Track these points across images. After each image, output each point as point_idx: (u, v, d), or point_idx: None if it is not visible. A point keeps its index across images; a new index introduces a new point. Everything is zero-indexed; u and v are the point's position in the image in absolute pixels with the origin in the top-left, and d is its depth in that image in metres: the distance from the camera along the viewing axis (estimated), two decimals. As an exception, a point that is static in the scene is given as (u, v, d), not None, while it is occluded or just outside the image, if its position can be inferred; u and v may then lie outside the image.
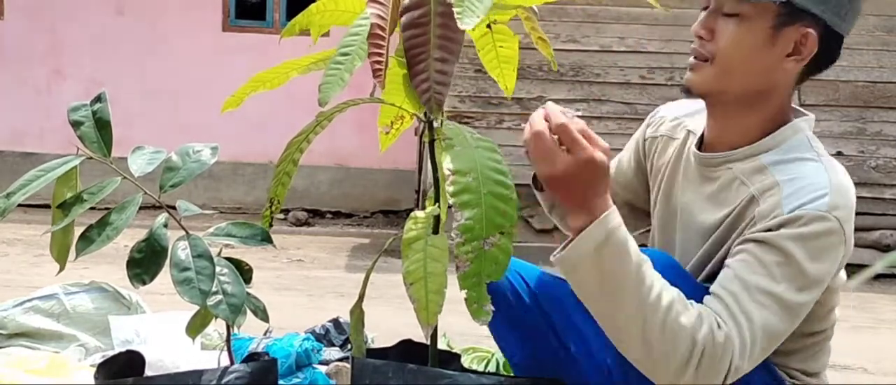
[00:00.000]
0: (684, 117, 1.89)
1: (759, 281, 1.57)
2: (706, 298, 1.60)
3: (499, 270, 1.66)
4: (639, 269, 1.53)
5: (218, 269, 1.85)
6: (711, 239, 1.72)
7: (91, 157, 1.89)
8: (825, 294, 1.70)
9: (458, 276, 1.64)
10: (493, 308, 1.64)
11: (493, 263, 1.65)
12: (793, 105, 1.76)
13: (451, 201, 1.65)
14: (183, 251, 1.83)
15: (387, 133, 1.99)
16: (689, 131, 1.85)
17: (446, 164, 1.68)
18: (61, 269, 1.94)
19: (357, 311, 1.94)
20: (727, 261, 1.64)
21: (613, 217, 1.54)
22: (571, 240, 1.56)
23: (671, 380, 1.53)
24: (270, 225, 1.95)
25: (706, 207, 1.75)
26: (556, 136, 1.54)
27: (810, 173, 1.63)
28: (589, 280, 1.56)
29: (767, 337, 1.57)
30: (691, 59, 1.72)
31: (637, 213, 2.03)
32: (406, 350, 2.09)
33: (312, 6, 1.84)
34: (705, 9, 1.69)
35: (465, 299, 1.64)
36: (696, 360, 1.51)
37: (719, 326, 1.53)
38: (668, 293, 1.53)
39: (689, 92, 1.73)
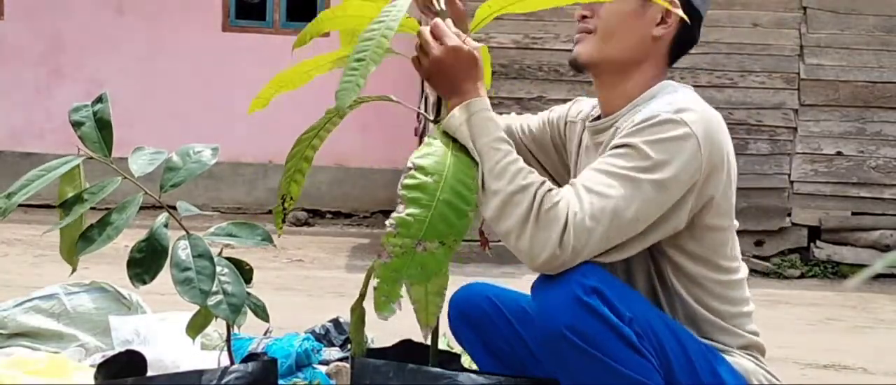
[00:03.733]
0: (591, 109, 2.08)
1: (602, 166, 1.77)
2: None
3: (423, 276, 1.66)
4: (492, 143, 1.77)
5: (218, 269, 1.85)
6: None
7: (92, 157, 1.89)
8: (711, 216, 1.84)
9: (376, 263, 1.63)
10: (399, 309, 1.67)
11: (419, 267, 1.64)
12: (684, 85, 1.95)
13: (400, 192, 1.65)
14: (183, 251, 1.83)
15: None
16: (588, 114, 2.06)
17: (412, 156, 1.68)
18: (73, 269, 1.94)
19: (358, 310, 1.94)
20: None
21: (478, 102, 1.81)
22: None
23: (516, 237, 1.72)
24: (283, 221, 1.95)
25: (595, 154, 1.92)
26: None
27: (668, 99, 1.85)
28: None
29: (610, 207, 1.72)
30: (577, 35, 1.95)
31: (542, 165, 2.19)
32: (406, 350, 2.09)
33: (322, 14, 1.85)
34: None
35: (375, 288, 1.64)
36: (535, 210, 1.71)
37: (556, 191, 1.75)
38: (519, 166, 1.76)
39: (576, 64, 1.97)
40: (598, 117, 2.00)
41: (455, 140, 1.79)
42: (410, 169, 1.69)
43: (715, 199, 1.84)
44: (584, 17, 1.94)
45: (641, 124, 1.78)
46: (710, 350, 1.85)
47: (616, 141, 1.81)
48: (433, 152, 1.73)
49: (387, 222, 1.65)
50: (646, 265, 1.90)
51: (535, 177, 1.77)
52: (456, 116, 1.80)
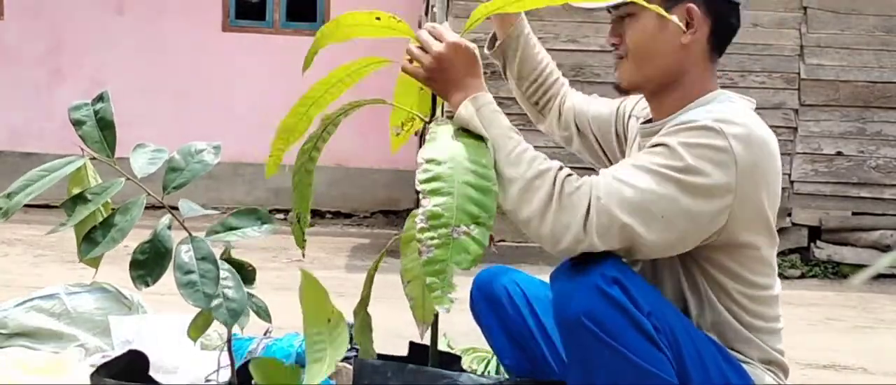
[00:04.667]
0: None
1: (636, 160, 1.77)
2: None
3: (468, 260, 1.66)
4: (505, 133, 1.78)
5: (221, 272, 1.84)
6: None
7: (95, 158, 1.88)
8: (747, 234, 1.81)
9: (421, 262, 1.63)
10: (456, 297, 1.65)
11: (463, 252, 1.65)
12: (743, 96, 1.94)
13: (419, 188, 1.65)
14: (186, 254, 1.81)
15: (398, 134, 2.00)
16: (647, 112, 2.05)
17: (420, 153, 1.69)
18: (96, 270, 1.92)
19: (361, 314, 1.94)
20: None
21: (483, 96, 1.82)
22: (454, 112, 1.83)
23: (538, 222, 1.72)
24: (304, 240, 1.95)
25: None
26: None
27: (714, 107, 1.84)
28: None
29: (637, 199, 1.71)
30: (615, 61, 1.96)
31: (604, 152, 2.23)
32: (409, 351, 2.09)
33: (318, 33, 1.86)
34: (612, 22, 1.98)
35: (427, 285, 1.64)
36: (556, 194, 1.71)
37: (577, 177, 1.76)
38: (533, 153, 1.77)
39: (619, 88, 1.98)
40: (650, 120, 1.99)
41: (458, 128, 1.79)
42: (421, 164, 1.69)
43: (751, 220, 1.81)
44: (614, 44, 1.95)
45: (680, 125, 1.77)
46: (725, 356, 1.85)
47: (654, 140, 1.80)
48: (439, 144, 1.74)
49: (416, 221, 1.65)
50: (675, 270, 1.89)
51: (553, 162, 1.78)
52: (467, 108, 1.81)
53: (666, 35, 1.87)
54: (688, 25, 1.87)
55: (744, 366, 1.86)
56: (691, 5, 1.87)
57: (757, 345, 1.89)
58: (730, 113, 1.79)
